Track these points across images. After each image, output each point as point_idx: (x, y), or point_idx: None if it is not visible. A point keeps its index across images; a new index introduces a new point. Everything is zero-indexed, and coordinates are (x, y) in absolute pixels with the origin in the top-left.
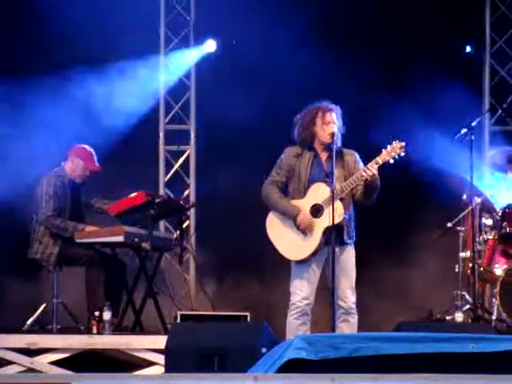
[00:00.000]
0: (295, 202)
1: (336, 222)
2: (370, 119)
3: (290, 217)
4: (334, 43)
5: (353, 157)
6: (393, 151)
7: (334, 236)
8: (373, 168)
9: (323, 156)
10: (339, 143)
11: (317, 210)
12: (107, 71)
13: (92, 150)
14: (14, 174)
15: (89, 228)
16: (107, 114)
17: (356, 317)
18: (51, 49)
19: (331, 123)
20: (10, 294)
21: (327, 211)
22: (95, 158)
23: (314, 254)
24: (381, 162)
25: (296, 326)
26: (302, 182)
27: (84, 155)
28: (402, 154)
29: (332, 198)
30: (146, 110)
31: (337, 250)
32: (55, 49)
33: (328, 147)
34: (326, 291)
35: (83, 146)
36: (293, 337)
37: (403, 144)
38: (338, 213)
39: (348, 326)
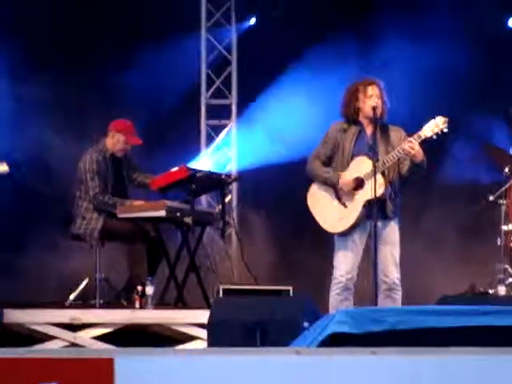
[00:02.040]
0: (341, 173)
1: (373, 196)
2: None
3: (332, 183)
4: None
5: (398, 133)
6: (436, 127)
7: (375, 209)
8: (415, 142)
9: (368, 130)
10: (385, 117)
11: (358, 183)
12: (148, 46)
13: (131, 123)
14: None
15: (136, 202)
16: (149, 88)
17: (400, 293)
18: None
19: (373, 96)
20: (52, 269)
21: (368, 184)
22: (135, 132)
23: (353, 226)
24: (423, 137)
25: (338, 300)
26: (345, 155)
27: (124, 129)
28: (446, 131)
29: (374, 171)
30: (187, 84)
31: (379, 224)
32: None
33: (373, 121)
34: (370, 266)
35: (122, 119)
36: (335, 311)
37: (446, 119)
38: (378, 185)
39: (391, 301)
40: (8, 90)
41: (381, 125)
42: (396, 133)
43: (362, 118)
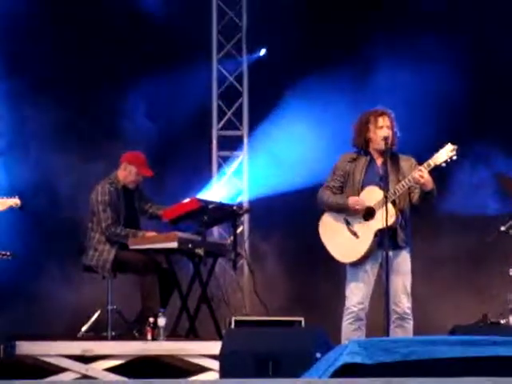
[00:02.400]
0: None
1: (384, 226)
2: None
3: (342, 206)
4: None
5: (409, 162)
6: (445, 155)
7: (386, 239)
8: (424, 170)
9: (378, 160)
10: (395, 147)
11: (369, 213)
12: (159, 76)
13: (144, 155)
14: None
15: (148, 234)
16: (160, 118)
17: (411, 322)
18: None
19: (384, 127)
20: (64, 301)
21: (379, 214)
22: (147, 163)
23: (365, 256)
24: (432, 165)
25: (350, 330)
26: (355, 185)
27: (136, 161)
28: (455, 158)
29: (385, 201)
30: (198, 115)
31: (390, 253)
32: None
33: (383, 151)
34: (382, 296)
35: (134, 151)
36: (347, 341)
37: (455, 147)
38: (389, 214)
39: (402, 331)
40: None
41: (391, 154)
42: (406, 162)
43: (372, 148)
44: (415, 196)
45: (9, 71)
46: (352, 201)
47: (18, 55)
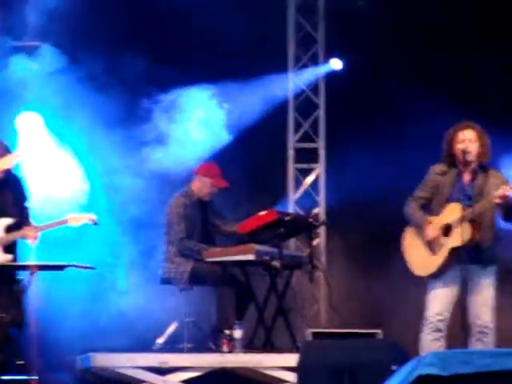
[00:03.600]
0: (432, 218)
1: (458, 244)
2: None
3: (419, 226)
4: None
5: (498, 178)
6: None
7: (464, 255)
8: (506, 190)
9: (466, 175)
10: (485, 161)
11: (448, 229)
12: (235, 86)
13: (218, 167)
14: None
15: (224, 248)
16: (236, 129)
17: (491, 336)
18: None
19: (465, 141)
20: (141, 313)
21: (456, 231)
22: (221, 175)
23: (439, 271)
24: None
25: (429, 341)
26: (442, 199)
27: (210, 172)
28: None
29: (461, 218)
30: (274, 127)
31: (474, 269)
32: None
33: (471, 166)
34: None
35: (209, 163)
36: (425, 353)
37: None
38: (464, 233)
39: (482, 345)
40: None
41: (481, 169)
42: (495, 178)
43: (458, 163)
44: (502, 213)
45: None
46: (427, 230)
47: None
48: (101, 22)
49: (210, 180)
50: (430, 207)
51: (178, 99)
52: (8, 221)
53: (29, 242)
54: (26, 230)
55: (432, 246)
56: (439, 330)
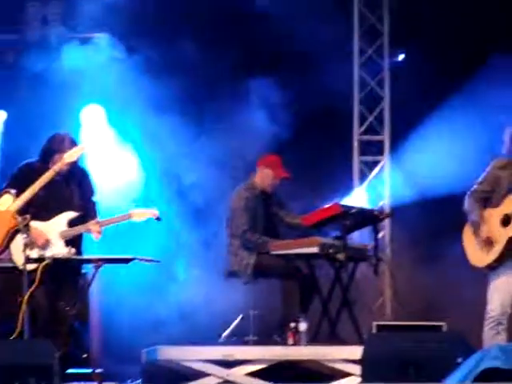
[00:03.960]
0: (490, 210)
1: None
2: None
3: (478, 226)
4: None
5: None
6: None
7: None
8: None
9: None
10: None
11: (507, 220)
12: (299, 79)
13: (279, 158)
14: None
15: (286, 241)
16: (301, 121)
17: None
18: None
19: None
20: (206, 306)
21: None
22: (282, 165)
23: (497, 261)
24: None
25: (491, 335)
26: (501, 191)
27: (272, 164)
28: None
29: None
30: (339, 119)
31: None
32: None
33: None
34: None
35: (270, 154)
36: (489, 346)
37: None
38: None
39: None
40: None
41: None
42: None
43: None
44: None
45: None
46: (483, 227)
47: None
48: (157, 9)
49: (272, 171)
50: (490, 200)
51: (238, 87)
52: (71, 214)
53: (93, 236)
54: (90, 225)
55: (490, 239)
56: (500, 324)
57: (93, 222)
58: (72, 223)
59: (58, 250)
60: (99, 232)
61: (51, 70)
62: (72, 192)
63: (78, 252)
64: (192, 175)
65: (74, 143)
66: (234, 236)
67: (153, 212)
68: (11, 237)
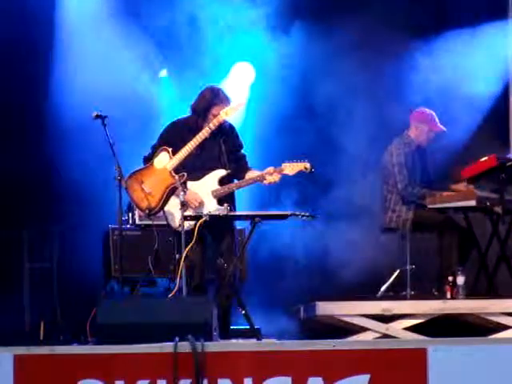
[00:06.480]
0: None
1: None
2: None
3: None
4: None
5: None
6: None
7: None
8: None
9: None
10: None
11: None
12: (457, 37)
13: (431, 112)
14: None
15: (445, 193)
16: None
17: None
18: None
19: None
20: (363, 262)
21: None
22: (437, 119)
23: None
24: None
25: None
26: None
27: (426, 118)
28: None
29: None
30: (493, 75)
31: None
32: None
33: None
34: None
35: (422, 109)
36: None
37: None
38: None
39: None
40: None
41: None
42: None
43: None
44: None
45: None
46: None
47: None
48: None
49: (427, 126)
50: None
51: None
52: (222, 172)
53: (265, 183)
54: (266, 174)
55: None
56: None
57: (269, 169)
58: (222, 181)
59: (212, 209)
60: (274, 180)
61: None
62: (220, 149)
63: (233, 209)
64: None
65: (227, 99)
66: (391, 191)
67: (305, 165)
68: (168, 194)
